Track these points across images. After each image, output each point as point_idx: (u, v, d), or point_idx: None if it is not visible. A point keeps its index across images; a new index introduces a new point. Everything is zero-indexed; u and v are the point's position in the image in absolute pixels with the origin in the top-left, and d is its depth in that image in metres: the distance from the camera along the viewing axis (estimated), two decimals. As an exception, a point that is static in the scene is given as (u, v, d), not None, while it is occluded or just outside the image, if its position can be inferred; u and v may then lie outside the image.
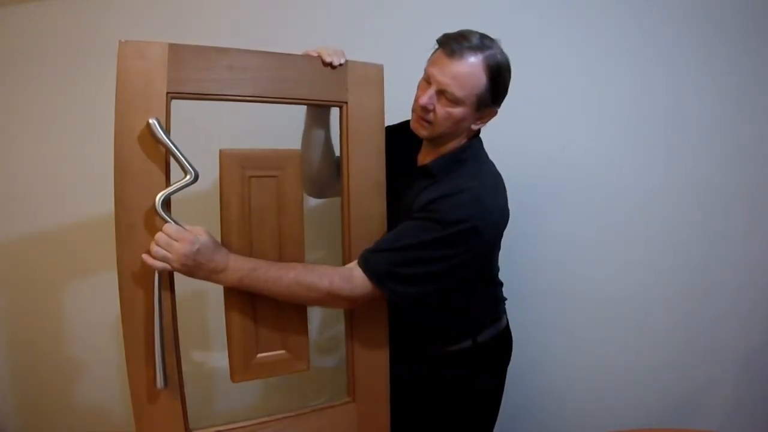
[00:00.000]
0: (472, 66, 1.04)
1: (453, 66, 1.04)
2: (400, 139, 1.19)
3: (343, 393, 1.18)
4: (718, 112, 1.53)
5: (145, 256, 0.91)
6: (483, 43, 1.05)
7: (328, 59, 1.04)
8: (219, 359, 1.35)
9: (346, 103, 1.08)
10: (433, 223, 1.02)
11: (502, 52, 1.08)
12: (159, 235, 0.91)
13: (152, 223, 0.93)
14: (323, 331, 1.59)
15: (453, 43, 1.04)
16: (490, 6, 1.52)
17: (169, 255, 0.91)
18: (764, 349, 1.58)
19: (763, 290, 1.57)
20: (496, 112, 1.14)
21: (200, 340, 1.57)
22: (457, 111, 1.07)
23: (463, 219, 1.01)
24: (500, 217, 1.11)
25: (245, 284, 0.97)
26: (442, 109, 1.07)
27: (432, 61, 1.08)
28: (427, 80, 1.08)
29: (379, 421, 1.18)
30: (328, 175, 1.26)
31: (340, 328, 1.23)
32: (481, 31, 1.08)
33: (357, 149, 1.09)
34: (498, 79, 1.07)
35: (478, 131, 1.19)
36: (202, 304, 1.55)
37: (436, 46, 1.09)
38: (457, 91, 1.04)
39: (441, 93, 1.06)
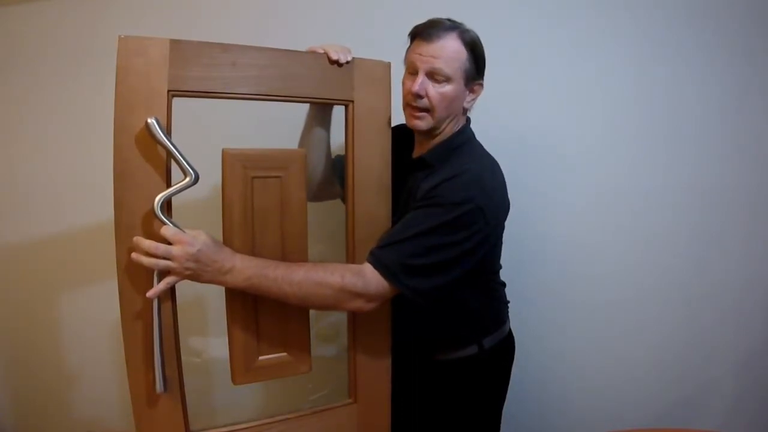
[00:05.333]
0: (451, 42, 1.08)
1: (435, 47, 1.08)
2: (394, 140, 1.18)
3: (343, 385, 1.17)
4: (718, 112, 1.53)
5: (145, 258, 0.88)
6: (453, 22, 1.11)
7: (334, 56, 1.03)
8: (220, 361, 1.34)
9: (352, 101, 1.06)
10: (437, 207, 1.02)
11: (470, 29, 1.13)
12: (155, 241, 0.89)
13: (152, 225, 0.91)
14: (323, 318, 1.58)
15: (427, 30, 1.09)
16: (493, 5, 1.52)
17: (170, 263, 0.89)
18: (764, 350, 1.58)
19: (764, 290, 1.57)
20: (482, 86, 1.18)
21: (201, 343, 1.56)
22: (449, 89, 1.10)
23: (466, 199, 1.02)
24: (501, 199, 1.13)
25: (254, 284, 0.95)
26: (434, 92, 1.09)
27: (412, 52, 1.11)
28: (412, 72, 1.11)
29: (380, 423, 1.18)
30: (325, 177, 1.25)
31: (340, 314, 1.22)
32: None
33: (362, 149, 1.08)
34: (476, 50, 1.12)
35: (468, 119, 1.21)
36: (203, 307, 1.54)
37: (408, 43, 1.14)
38: (445, 68, 1.08)
39: (430, 76, 1.08)
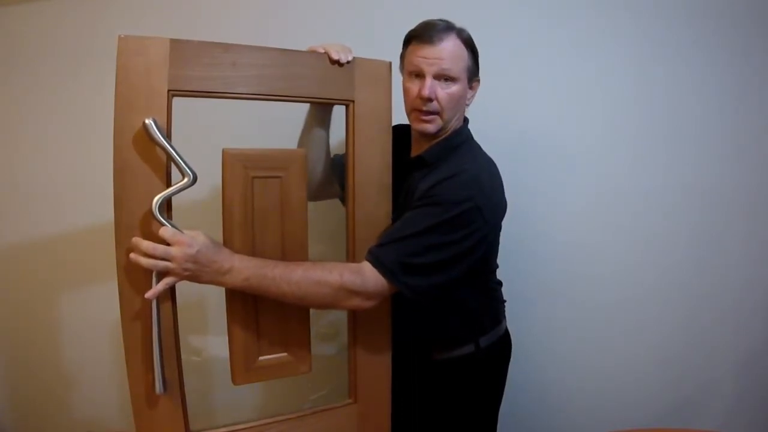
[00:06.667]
0: (454, 43, 1.10)
1: (439, 49, 1.08)
2: (392, 140, 1.18)
3: (343, 385, 1.17)
4: (718, 112, 1.53)
5: (144, 259, 0.88)
6: (447, 23, 1.12)
7: (335, 56, 1.03)
8: (220, 361, 1.34)
9: (353, 101, 1.06)
10: (435, 207, 1.02)
11: (462, 27, 1.14)
12: (154, 243, 0.89)
13: (152, 225, 0.91)
14: (323, 317, 1.57)
15: (427, 32, 1.10)
16: (493, 5, 1.52)
17: (169, 264, 0.89)
18: (764, 350, 1.58)
19: (764, 290, 1.57)
20: (479, 81, 1.20)
21: (201, 342, 1.56)
22: (456, 89, 1.11)
23: (465, 198, 1.02)
24: (499, 199, 1.14)
25: (252, 284, 0.95)
26: (443, 93, 1.10)
27: (413, 56, 1.11)
28: (417, 75, 1.11)
29: (380, 423, 1.17)
30: (325, 177, 1.26)
31: (340, 313, 1.22)
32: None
33: (363, 149, 1.07)
34: (473, 47, 1.15)
35: (467, 120, 1.22)
36: (203, 307, 1.54)
37: (403, 48, 1.16)
38: (454, 69, 1.09)
39: (438, 78, 1.09)
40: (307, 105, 1.19)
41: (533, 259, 1.61)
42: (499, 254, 1.26)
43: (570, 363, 1.65)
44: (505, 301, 1.33)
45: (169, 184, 0.92)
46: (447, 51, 1.09)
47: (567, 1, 1.51)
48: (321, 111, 1.19)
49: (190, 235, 0.90)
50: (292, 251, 1.03)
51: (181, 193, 0.91)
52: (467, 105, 1.19)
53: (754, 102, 1.52)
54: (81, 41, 1.54)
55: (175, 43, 0.91)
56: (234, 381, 1.03)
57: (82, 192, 1.57)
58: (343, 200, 1.16)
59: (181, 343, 0.99)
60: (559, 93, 1.55)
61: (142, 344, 0.93)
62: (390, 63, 1.10)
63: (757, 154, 1.53)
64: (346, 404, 1.14)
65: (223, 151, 0.97)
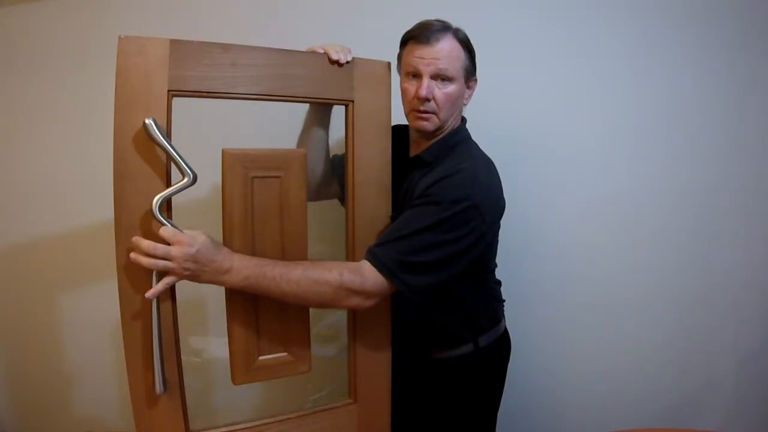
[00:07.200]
0: (450, 43, 1.11)
1: (436, 49, 1.09)
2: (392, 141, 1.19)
3: (343, 385, 1.17)
4: (718, 112, 1.53)
5: (144, 259, 0.88)
6: (443, 23, 1.13)
7: (335, 57, 1.03)
8: (220, 361, 1.35)
9: (353, 101, 1.06)
10: (434, 205, 1.03)
11: (459, 27, 1.15)
12: (154, 242, 0.89)
13: (152, 225, 0.91)
14: (323, 318, 1.57)
15: (423, 32, 1.11)
16: (493, 5, 1.52)
17: (169, 263, 0.89)
18: (764, 350, 1.58)
19: (764, 291, 1.57)
20: (476, 81, 1.20)
21: (201, 343, 1.56)
22: (453, 89, 1.12)
23: (463, 197, 1.02)
24: (497, 197, 1.14)
25: (252, 283, 0.95)
26: (440, 93, 1.11)
27: (410, 56, 1.12)
28: (414, 75, 1.12)
29: (380, 423, 1.18)
30: (324, 177, 1.26)
31: (340, 314, 1.21)
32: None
33: (363, 149, 1.08)
34: (470, 47, 1.15)
35: (464, 119, 1.22)
36: (203, 307, 1.54)
37: (400, 49, 1.17)
38: (450, 69, 1.10)
39: (435, 78, 1.10)
40: (307, 105, 1.19)
41: (533, 259, 1.61)
42: (498, 254, 1.26)
43: (570, 363, 1.65)
44: (504, 300, 1.33)
45: (169, 184, 0.92)
46: (444, 51, 1.09)
47: (567, 1, 1.51)
48: (320, 111, 1.19)
49: (190, 235, 0.91)
50: (292, 251, 1.03)
51: (181, 193, 0.92)
52: (465, 104, 1.19)
53: (754, 102, 1.52)
54: (81, 41, 1.54)
55: (175, 43, 0.91)
56: (234, 381, 1.03)
57: (82, 192, 1.57)
58: (343, 200, 1.16)
59: (181, 343, 0.99)
60: (558, 93, 1.54)
61: (142, 344, 0.93)
62: (389, 63, 1.11)
63: (757, 154, 1.53)
64: (346, 404, 1.14)
65: (223, 151, 0.97)
